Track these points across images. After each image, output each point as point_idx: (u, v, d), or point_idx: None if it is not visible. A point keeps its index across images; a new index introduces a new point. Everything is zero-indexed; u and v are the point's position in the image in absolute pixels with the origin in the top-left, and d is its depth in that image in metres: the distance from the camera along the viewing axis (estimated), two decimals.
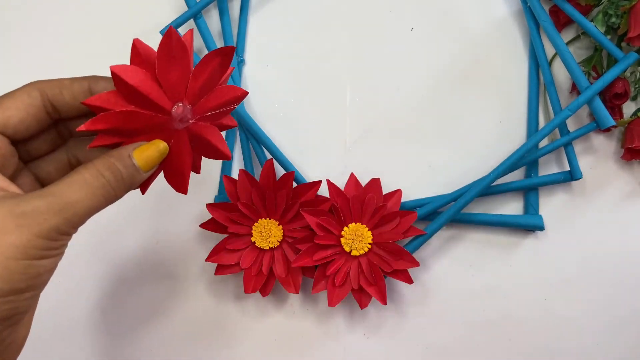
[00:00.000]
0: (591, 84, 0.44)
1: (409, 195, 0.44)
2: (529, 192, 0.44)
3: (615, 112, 0.45)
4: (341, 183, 0.43)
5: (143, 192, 0.29)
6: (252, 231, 0.41)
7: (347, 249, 0.40)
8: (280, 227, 0.41)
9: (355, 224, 0.40)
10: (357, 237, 0.40)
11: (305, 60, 0.48)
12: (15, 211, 0.23)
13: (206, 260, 0.41)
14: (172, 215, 0.45)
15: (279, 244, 0.41)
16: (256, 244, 0.41)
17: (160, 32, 0.45)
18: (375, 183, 0.42)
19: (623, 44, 0.45)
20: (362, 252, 0.40)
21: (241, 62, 0.48)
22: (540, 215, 0.43)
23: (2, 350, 0.24)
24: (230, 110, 0.30)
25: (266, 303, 0.44)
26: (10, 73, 0.48)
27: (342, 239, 0.40)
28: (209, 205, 0.41)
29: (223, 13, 0.48)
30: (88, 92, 0.27)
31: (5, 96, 0.26)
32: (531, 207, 0.44)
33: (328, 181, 0.41)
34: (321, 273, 0.40)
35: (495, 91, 0.47)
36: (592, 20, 0.44)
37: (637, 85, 0.45)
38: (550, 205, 0.45)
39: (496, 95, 0.47)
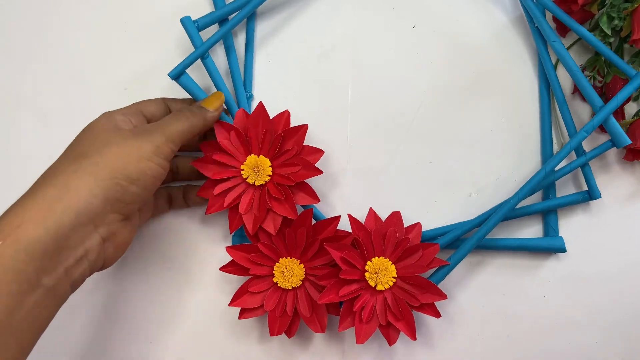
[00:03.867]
0: (594, 86, 0.44)
1: (411, 193, 0.45)
2: (548, 213, 0.44)
3: (618, 113, 0.45)
4: (342, 182, 0.44)
5: (206, 213, 0.41)
6: (274, 271, 0.41)
7: (372, 283, 0.40)
8: (302, 265, 0.41)
9: (379, 257, 0.40)
10: (381, 271, 0.40)
11: (308, 58, 0.48)
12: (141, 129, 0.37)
13: (229, 305, 0.41)
14: (190, 255, 0.45)
15: (301, 283, 0.41)
16: (278, 284, 0.41)
17: (169, 74, 0.43)
18: (395, 216, 0.41)
19: (626, 46, 0.45)
20: (387, 286, 0.40)
21: (250, 98, 0.47)
22: (562, 237, 0.43)
23: (115, 245, 0.35)
24: None
25: (291, 344, 0.44)
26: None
27: (366, 274, 0.40)
28: (228, 248, 0.41)
29: (229, 50, 0.46)
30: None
31: (143, 102, 0.41)
32: (551, 229, 0.44)
33: (349, 216, 0.41)
34: (347, 309, 0.40)
35: (506, 105, 0.46)
36: (598, 23, 0.43)
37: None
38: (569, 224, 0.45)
39: (506, 109, 0.46)
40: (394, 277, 0.40)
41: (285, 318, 0.40)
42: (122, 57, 0.48)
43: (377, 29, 0.48)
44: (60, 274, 0.32)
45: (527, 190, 0.42)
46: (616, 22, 0.42)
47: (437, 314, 0.40)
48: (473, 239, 0.41)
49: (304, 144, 0.41)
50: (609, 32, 0.43)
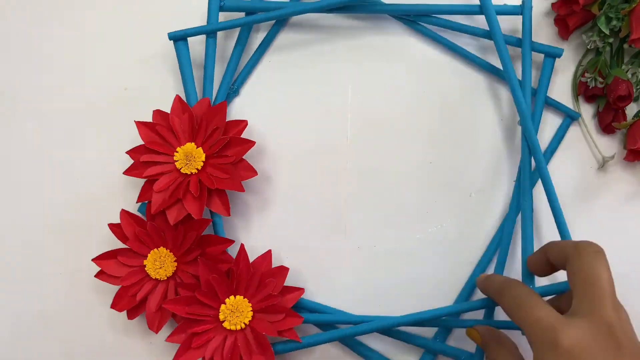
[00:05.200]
0: (596, 87, 0.44)
1: (411, 193, 0.46)
2: None
3: (619, 114, 0.45)
4: (342, 181, 0.45)
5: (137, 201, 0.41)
6: (146, 260, 0.42)
7: (222, 317, 0.40)
8: (175, 262, 0.42)
9: (235, 297, 0.40)
10: (236, 311, 0.40)
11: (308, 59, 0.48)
12: None
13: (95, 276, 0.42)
14: None
15: (172, 274, 0.42)
16: (150, 275, 0.41)
17: (169, 33, 0.44)
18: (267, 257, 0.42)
19: (625, 46, 0.45)
20: (235, 327, 0.40)
21: (234, 93, 0.47)
22: None
23: None
24: None
25: None
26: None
27: (220, 315, 0.40)
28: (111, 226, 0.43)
29: (240, 42, 0.47)
30: None
31: None
32: None
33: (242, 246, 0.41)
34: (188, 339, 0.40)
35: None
36: (596, 24, 0.44)
37: (638, 87, 0.45)
38: None
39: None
40: (249, 318, 0.40)
41: (133, 300, 0.41)
42: (122, 56, 0.48)
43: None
44: None
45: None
46: (614, 22, 0.43)
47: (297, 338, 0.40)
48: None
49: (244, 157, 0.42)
50: (607, 32, 0.43)
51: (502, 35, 0.44)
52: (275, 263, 0.43)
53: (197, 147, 0.41)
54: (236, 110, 0.47)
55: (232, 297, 0.40)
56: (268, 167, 0.46)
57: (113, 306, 0.41)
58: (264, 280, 0.40)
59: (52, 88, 0.48)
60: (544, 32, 0.47)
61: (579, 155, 0.46)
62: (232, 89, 0.46)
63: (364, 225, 0.46)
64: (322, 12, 0.46)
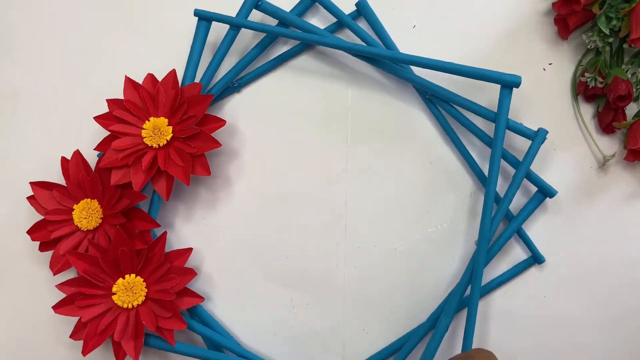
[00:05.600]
0: (596, 87, 0.44)
1: (411, 193, 0.45)
2: None
3: (619, 113, 0.45)
4: (342, 179, 0.45)
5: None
6: (76, 205, 0.42)
7: (114, 289, 0.41)
8: (100, 210, 0.42)
9: (135, 277, 0.41)
10: (129, 290, 0.41)
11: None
12: None
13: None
14: None
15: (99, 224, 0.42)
16: (73, 214, 0.42)
17: (195, 9, 0.44)
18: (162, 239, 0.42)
19: (625, 46, 0.45)
20: (122, 304, 0.40)
21: (235, 89, 0.47)
22: None
23: None
24: None
25: None
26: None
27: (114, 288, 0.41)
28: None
29: (260, 47, 0.47)
30: None
31: None
32: None
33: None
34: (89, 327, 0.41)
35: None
36: (596, 23, 0.44)
37: (638, 86, 0.45)
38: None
39: None
40: (138, 302, 0.41)
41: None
42: (123, 55, 0.48)
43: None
44: None
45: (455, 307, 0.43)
46: (614, 22, 0.43)
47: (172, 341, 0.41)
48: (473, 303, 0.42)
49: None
50: (607, 32, 0.43)
51: (501, 151, 0.43)
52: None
53: (167, 125, 0.41)
54: (231, 105, 0.47)
55: (132, 275, 0.40)
56: (265, 164, 0.47)
57: (29, 232, 0.43)
58: (170, 274, 0.41)
59: (52, 88, 0.48)
60: (543, 32, 0.47)
61: (578, 156, 0.46)
62: (233, 84, 0.46)
63: (364, 225, 0.46)
64: (350, 53, 0.45)
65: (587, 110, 0.46)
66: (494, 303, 0.45)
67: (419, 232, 0.46)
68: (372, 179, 0.46)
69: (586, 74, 0.45)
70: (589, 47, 0.45)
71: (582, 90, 0.46)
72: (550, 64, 0.46)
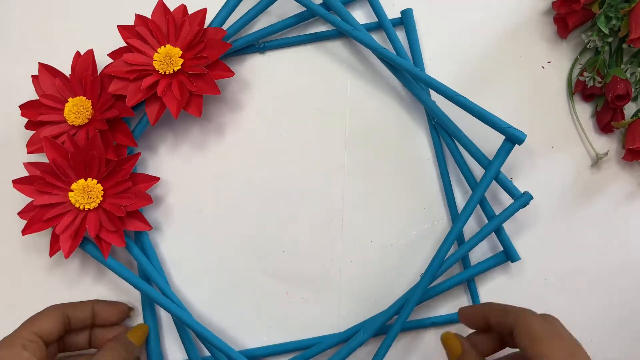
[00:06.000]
0: (594, 87, 0.45)
1: (409, 190, 0.45)
2: (469, 282, 0.45)
3: (617, 113, 0.45)
4: (341, 178, 0.44)
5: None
6: (67, 104, 0.43)
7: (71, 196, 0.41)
8: (87, 120, 0.43)
9: (93, 180, 0.41)
10: (85, 194, 0.41)
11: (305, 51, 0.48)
12: None
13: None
14: None
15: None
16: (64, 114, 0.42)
17: None
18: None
19: (624, 46, 0.46)
20: (85, 207, 0.41)
21: (259, 49, 0.47)
22: None
23: None
24: None
25: None
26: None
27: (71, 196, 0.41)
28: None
29: (297, 18, 0.47)
30: (91, 310, 0.42)
31: (39, 314, 0.39)
32: (475, 297, 0.45)
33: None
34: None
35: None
36: (596, 23, 0.44)
37: (637, 86, 0.45)
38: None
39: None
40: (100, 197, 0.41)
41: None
42: None
43: None
44: None
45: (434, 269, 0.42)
46: (614, 22, 0.43)
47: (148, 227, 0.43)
48: (393, 330, 0.41)
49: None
50: (606, 32, 0.44)
51: (479, 200, 0.42)
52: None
53: (179, 57, 0.42)
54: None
55: (94, 181, 0.41)
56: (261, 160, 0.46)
57: (22, 107, 0.43)
58: (128, 193, 0.42)
59: None
60: (543, 31, 0.48)
61: (575, 155, 0.46)
62: (259, 44, 0.47)
63: (361, 220, 0.45)
64: (376, 54, 0.45)
65: (586, 110, 0.46)
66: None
67: (415, 228, 0.45)
68: (369, 174, 0.46)
69: (585, 73, 0.45)
70: (588, 46, 0.46)
71: (580, 90, 0.46)
72: (549, 62, 0.47)
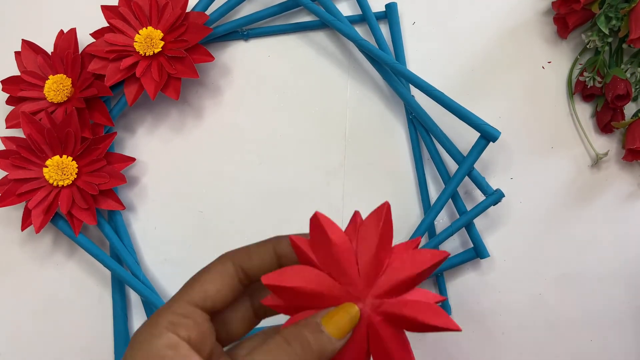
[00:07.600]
0: (594, 87, 0.43)
1: (408, 189, 0.45)
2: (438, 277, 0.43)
3: (617, 113, 0.44)
4: (340, 177, 0.45)
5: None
6: (48, 81, 0.43)
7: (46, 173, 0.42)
8: (67, 97, 0.44)
9: (68, 157, 0.42)
10: (60, 170, 0.42)
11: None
12: None
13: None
14: None
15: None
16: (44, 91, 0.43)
17: None
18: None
19: (624, 46, 0.44)
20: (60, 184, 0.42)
21: (243, 36, 0.47)
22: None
23: None
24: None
25: None
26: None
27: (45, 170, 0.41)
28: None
29: (281, 7, 0.46)
30: (273, 254, 0.28)
31: (202, 271, 0.27)
32: (443, 291, 0.43)
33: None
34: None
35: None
36: (596, 23, 0.43)
37: (637, 86, 0.44)
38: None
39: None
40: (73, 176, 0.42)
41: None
42: None
43: None
44: None
45: None
46: (614, 22, 0.43)
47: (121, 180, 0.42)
48: None
49: None
50: (606, 32, 0.43)
51: (451, 193, 0.42)
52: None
53: (160, 39, 0.43)
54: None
55: (69, 158, 0.41)
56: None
57: (3, 82, 0.44)
58: (103, 172, 0.42)
59: None
60: (543, 31, 0.47)
61: (575, 155, 0.45)
62: (242, 30, 0.47)
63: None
64: (357, 45, 0.44)
65: (586, 110, 0.45)
66: (488, 301, 0.43)
67: (413, 226, 0.44)
68: (369, 173, 0.45)
69: (585, 74, 0.44)
70: (588, 46, 0.45)
71: (580, 90, 0.45)
72: (549, 62, 0.46)
